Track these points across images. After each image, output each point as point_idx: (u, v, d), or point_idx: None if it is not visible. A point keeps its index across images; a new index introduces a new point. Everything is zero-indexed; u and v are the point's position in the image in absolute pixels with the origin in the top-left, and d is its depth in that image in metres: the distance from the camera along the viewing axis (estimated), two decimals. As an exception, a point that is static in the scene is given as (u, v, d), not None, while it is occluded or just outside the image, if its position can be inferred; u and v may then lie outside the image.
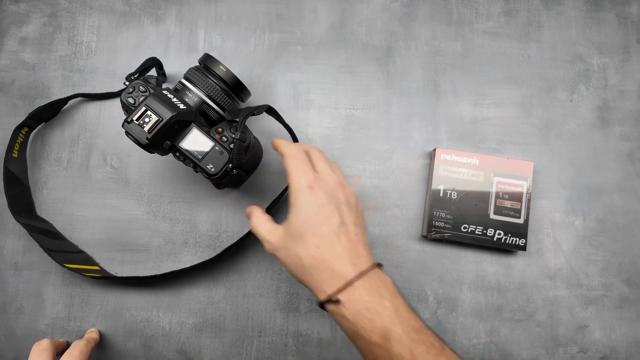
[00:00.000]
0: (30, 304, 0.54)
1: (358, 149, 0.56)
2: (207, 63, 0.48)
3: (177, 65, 0.57)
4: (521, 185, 0.52)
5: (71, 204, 0.55)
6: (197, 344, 0.53)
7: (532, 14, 0.59)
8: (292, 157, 0.40)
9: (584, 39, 0.58)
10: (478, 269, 0.54)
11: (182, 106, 0.44)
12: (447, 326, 0.53)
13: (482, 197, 0.52)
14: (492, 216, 0.52)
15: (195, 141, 0.44)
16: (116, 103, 0.57)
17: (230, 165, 0.44)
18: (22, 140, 0.54)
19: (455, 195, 0.52)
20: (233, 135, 0.45)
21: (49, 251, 0.51)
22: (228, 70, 0.47)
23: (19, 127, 0.54)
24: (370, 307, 0.34)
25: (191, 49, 0.58)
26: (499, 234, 0.52)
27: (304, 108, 0.57)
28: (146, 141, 0.41)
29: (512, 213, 0.52)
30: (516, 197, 0.52)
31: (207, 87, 0.47)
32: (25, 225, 0.52)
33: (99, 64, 0.58)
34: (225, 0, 0.59)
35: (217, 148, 0.44)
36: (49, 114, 0.56)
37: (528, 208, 0.52)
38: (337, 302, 0.35)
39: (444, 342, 0.35)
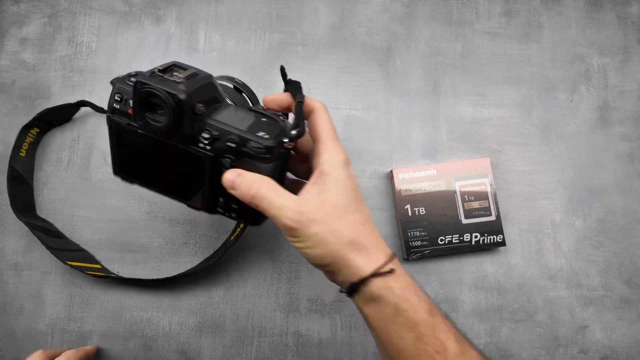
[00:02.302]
0: (31, 304, 0.54)
1: (358, 149, 0.56)
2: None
3: (177, 65, 0.57)
4: (483, 183, 0.52)
5: (71, 204, 0.55)
6: (197, 345, 0.53)
7: (532, 14, 0.59)
8: (328, 123, 0.36)
9: (584, 40, 0.58)
10: (478, 269, 0.54)
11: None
12: (447, 326, 0.53)
13: (450, 205, 0.52)
14: (464, 221, 0.52)
15: (234, 114, 0.35)
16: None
17: (293, 132, 0.34)
18: (31, 140, 0.54)
19: (423, 210, 0.52)
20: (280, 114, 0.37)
21: (51, 249, 0.51)
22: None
23: (28, 127, 0.54)
24: (413, 284, 0.34)
25: (191, 49, 0.58)
26: (476, 236, 0.52)
27: (304, 108, 0.57)
28: (184, 95, 0.30)
29: (482, 212, 0.52)
30: (481, 196, 0.52)
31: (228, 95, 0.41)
32: (26, 223, 0.52)
33: (99, 64, 0.58)
34: (225, 0, 0.59)
35: (263, 119, 0.35)
36: (58, 117, 0.56)
37: (496, 203, 0.52)
38: (390, 272, 0.33)
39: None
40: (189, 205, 0.39)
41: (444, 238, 0.52)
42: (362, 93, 0.57)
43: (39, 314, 0.54)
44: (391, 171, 0.53)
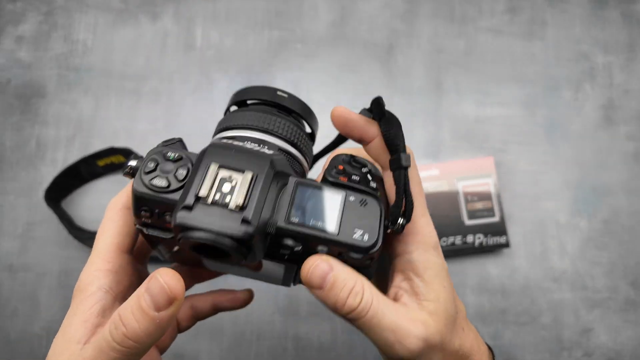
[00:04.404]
0: (25, 306, 0.53)
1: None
2: (259, 96, 0.30)
3: (174, 64, 0.57)
4: (487, 184, 0.52)
5: (68, 204, 0.55)
6: (194, 348, 0.52)
7: (536, 11, 0.58)
8: (419, 186, 0.27)
9: (589, 37, 0.58)
10: (481, 271, 0.53)
11: (266, 150, 0.26)
12: (450, 329, 0.52)
13: (452, 206, 0.51)
14: (468, 222, 0.51)
15: (310, 203, 0.24)
16: (113, 102, 0.56)
17: (400, 221, 0.25)
18: (111, 162, 0.54)
19: None
20: (366, 169, 0.27)
21: (78, 238, 0.52)
22: (292, 96, 0.31)
23: (121, 151, 0.54)
24: None
25: (188, 46, 0.57)
26: (479, 237, 0.51)
27: (303, 107, 0.56)
28: (251, 230, 0.22)
29: (486, 213, 0.51)
30: (485, 196, 0.51)
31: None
32: (55, 212, 0.52)
33: (95, 62, 0.57)
34: (223, -3, 0.58)
35: (352, 199, 0.24)
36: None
37: (500, 204, 0.51)
38: None
39: None
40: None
41: (446, 239, 0.51)
42: (363, 91, 0.56)
43: (34, 317, 0.53)
44: None
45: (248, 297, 0.37)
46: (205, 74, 0.57)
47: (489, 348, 0.29)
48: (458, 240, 0.51)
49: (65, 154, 0.55)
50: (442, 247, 0.50)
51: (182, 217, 0.21)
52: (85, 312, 0.24)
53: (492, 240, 0.51)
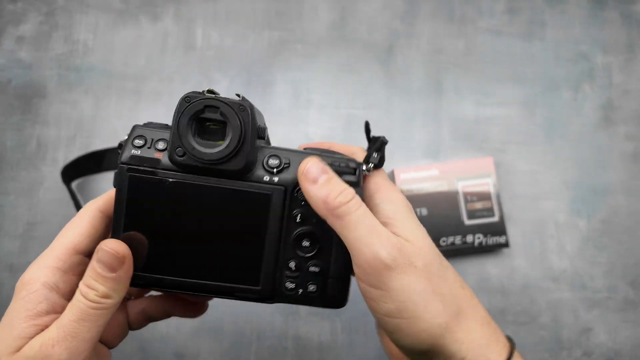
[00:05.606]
0: (26, 306, 0.53)
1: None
2: None
3: (174, 64, 0.57)
4: (487, 184, 0.52)
5: (68, 204, 0.55)
6: (194, 348, 0.52)
7: (536, 12, 0.58)
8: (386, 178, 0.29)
9: (588, 38, 0.58)
10: (481, 271, 0.53)
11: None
12: (450, 329, 0.52)
13: (452, 206, 0.51)
14: (467, 222, 0.51)
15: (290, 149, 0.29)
16: (113, 102, 0.56)
17: (375, 156, 0.29)
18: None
19: (425, 211, 0.51)
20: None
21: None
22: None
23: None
24: None
25: (189, 47, 0.57)
26: (479, 237, 0.51)
27: (303, 107, 0.56)
28: (249, 105, 0.25)
29: (485, 213, 0.51)
30: (484, 196, 0.51)
31: None
32: (68, 189, 0.53)
33: (96, 62, 0.57)
34: (224, -2, 0.58)
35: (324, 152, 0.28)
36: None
37: (500, 204, 0.51)
38: None
39: None
40: (239, 298, 0.29)
41: (446, 239, 0.51)
42: (362, 92, 0.56)
43: (35, 317, 0.53)
44: (392, 171, 0.53)
45: (202, 308, 0.37)
46: (205, 74, 0.57)
47: (509, 339, 0.27)
48: (457, 240, 0.51)
49: (65, 153, 0.55)
50: (441, 247, 0.50)
51: (189, 93, 0.26)
52: (31, 310, 0.25)
53: (492, 240, 0.51)
